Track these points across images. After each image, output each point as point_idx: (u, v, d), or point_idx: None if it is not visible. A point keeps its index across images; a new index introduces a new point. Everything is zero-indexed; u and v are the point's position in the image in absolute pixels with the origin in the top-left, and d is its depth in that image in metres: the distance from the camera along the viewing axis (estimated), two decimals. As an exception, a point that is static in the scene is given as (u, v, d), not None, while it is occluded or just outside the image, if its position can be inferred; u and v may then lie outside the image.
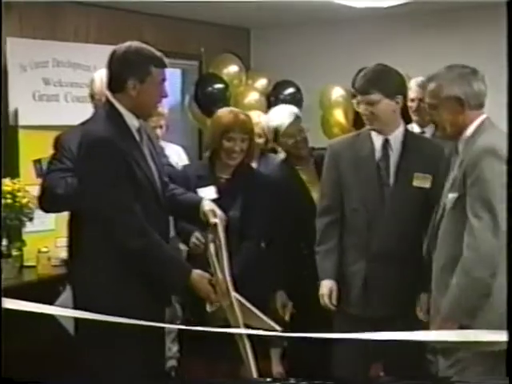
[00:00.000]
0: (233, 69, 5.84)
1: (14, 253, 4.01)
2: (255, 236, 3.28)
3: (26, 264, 4.14)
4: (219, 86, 5.56)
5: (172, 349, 4.04)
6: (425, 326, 2.76)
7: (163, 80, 2.71)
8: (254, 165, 3.73)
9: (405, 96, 3.19)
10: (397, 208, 3.00)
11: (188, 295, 2.88)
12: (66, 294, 3.41)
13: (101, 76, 3.13)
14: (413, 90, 4.07)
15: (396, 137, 3.05)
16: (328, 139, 4.93)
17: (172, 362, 4.10)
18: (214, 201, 2.97)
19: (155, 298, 2.69)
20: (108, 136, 2.60)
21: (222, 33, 6.07)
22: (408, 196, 2.99)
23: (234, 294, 2.67)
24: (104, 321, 2.29)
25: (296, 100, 5.54)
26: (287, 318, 3.49)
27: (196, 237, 3.16)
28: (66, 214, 3.36)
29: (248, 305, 2.69)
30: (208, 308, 2.74)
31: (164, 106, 3.72)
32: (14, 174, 4.14)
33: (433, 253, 2.71)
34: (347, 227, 3.10)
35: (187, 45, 5.75)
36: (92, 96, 3.41)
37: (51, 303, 3.20)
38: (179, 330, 3.42)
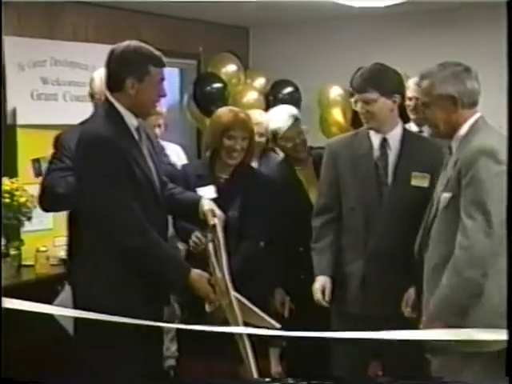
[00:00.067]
0: (231, 68, 5.83)
1: (12, 252, 4.01)
2: (254, 236, 3.28)
3: (24, 263, 4.14)
4: (218, 85, 5.55)
5: (171, 348, 4.04)
6: (413, 324, 2.74)
7: (162, 79, 2.71)
8: (255, 164, 3.73)
9: (402, 95, 3.19)
10: (395, 207, 3.00)
11: (187, 295, 2.88)
12: (65, 294, 3.41)
13: (101, 75, 3.13)
14: (411, 89, 4.07)
15: (394, 136, 3.06)
16: (326, 138, 4.92)
17: (171, 362, 4.10)
18: (213, 200, 2.97)
19: (154, 297, 2.69)
20: (107, 134, 2.60)
21: (221, 32, 6.07)
22: (406, 195, 2.99)
23: (233, 293, 2.67)
24: (103, 320, 2.30)
25: (294, 99, 5.54)
26: (286, 314, 3.50)
27: (196, 236, 3.16)
28: (64, 213, 3.36)
29: (247, 303, 2.70)
30: (207, 307, 2.74)
31: (162, 105, 3.72)
32: (12, 173, 4.14)
33: (424, 252, 2.70)
34: (345, 226, 3.10)
35: (186, 44, 5.75)
36: (92, 95, 3.41)
37: (50, 302, 3.20)
38: (178, 329, 3.41)
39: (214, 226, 2.77)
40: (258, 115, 4.00)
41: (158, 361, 2.99)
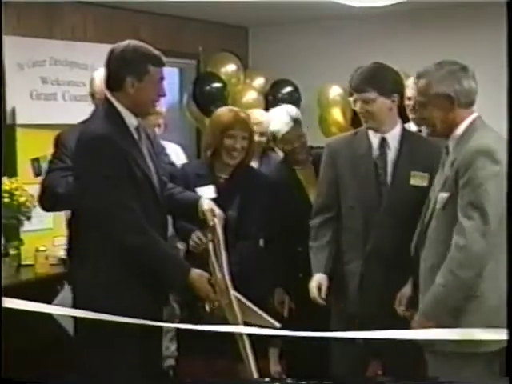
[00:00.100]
0: (231, 67, 5.83)
1: (12, 252, 4.01)
2: (253, 235, 3.28)
3: (23, 263, 4.15)
4: (217, 84, 5.56)
5: (170, 348, 4.04)
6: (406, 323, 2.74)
7: (161, 79, 2.71)
8: (255, 164, 3.73)
9: (402, 94, 3.18)
10: (394, 206, 3.00)
11: (187, 294, 2.88)
12: (64, 294, 3.41)
13: (101, 75, 3.12)
14: (410, 89, 4.06)
15: (393, 135, 3.05)
16: (326, 138, 4.92)
17: (170, 361, 4.10)
18: (212, 200, 2.97)
19: (153, 297, 2.69)
20: (106, 134, 2.60)
21: (220, 31, 6.07)
22: (405, 195, 2.98)
23: (233, 292, 2.67)
24: (103, 320, 2.29)
25: (294, 99, 5.54)
26: (286, 314, 3.50)
27: (196, 236, 3.15)
28: (64, 213, 3.36)
29: (247, 303, 2.70)
30: (207, 307, 2.74)
31: (162, 105, 3.72)
32: (11, 172, 4.14)
33: (421, 251, 2.69)
34: (344, 225, 3.10)
35: (185, 43, 5.75)
36: (92, 95, 3.41)
37: (49, 302, 3.21)
38: (177, 328, 3.41)
39: (214, 225, 2.77)
40: (258, 115, 4.00)
41: (157, 360, 2.99)
